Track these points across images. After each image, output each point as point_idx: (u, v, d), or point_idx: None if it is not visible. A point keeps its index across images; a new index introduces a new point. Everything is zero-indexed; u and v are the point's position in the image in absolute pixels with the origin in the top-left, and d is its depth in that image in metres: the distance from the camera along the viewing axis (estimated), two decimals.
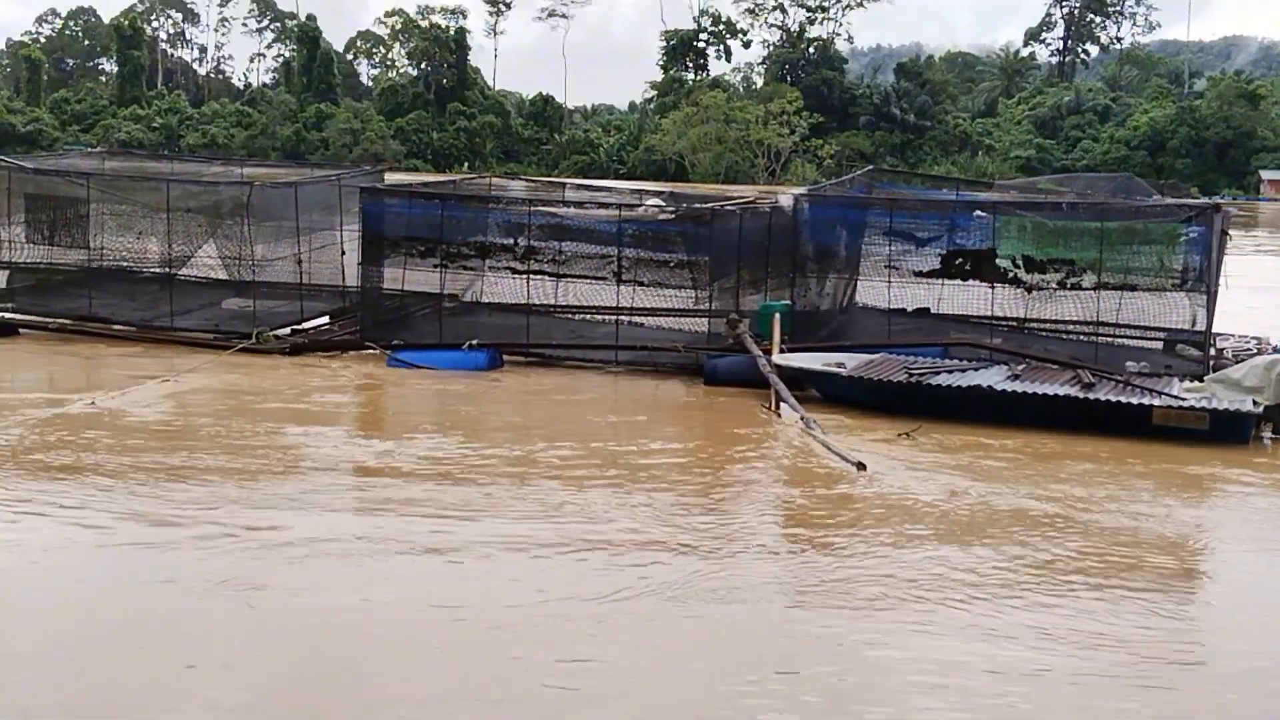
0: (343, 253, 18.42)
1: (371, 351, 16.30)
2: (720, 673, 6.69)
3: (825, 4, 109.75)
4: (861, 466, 11.02)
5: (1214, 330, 15.28)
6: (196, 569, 8.09)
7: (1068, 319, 15.88)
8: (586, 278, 17.16)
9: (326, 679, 6.58)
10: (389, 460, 11.24)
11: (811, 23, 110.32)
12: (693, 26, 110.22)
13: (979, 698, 6.43)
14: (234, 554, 8.39)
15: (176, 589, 7.76)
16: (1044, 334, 16.16)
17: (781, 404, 13.54)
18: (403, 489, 10.22)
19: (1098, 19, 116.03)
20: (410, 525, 9.12)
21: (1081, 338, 15.67)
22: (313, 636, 7.15)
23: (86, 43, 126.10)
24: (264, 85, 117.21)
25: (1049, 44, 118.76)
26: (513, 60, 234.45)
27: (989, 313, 16.03)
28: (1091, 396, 13.00)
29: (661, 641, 7.17)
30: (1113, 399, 12.97)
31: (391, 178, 22.70)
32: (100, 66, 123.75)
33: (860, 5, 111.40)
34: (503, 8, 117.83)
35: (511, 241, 17.43)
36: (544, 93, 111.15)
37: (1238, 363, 14.09)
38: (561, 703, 6.26)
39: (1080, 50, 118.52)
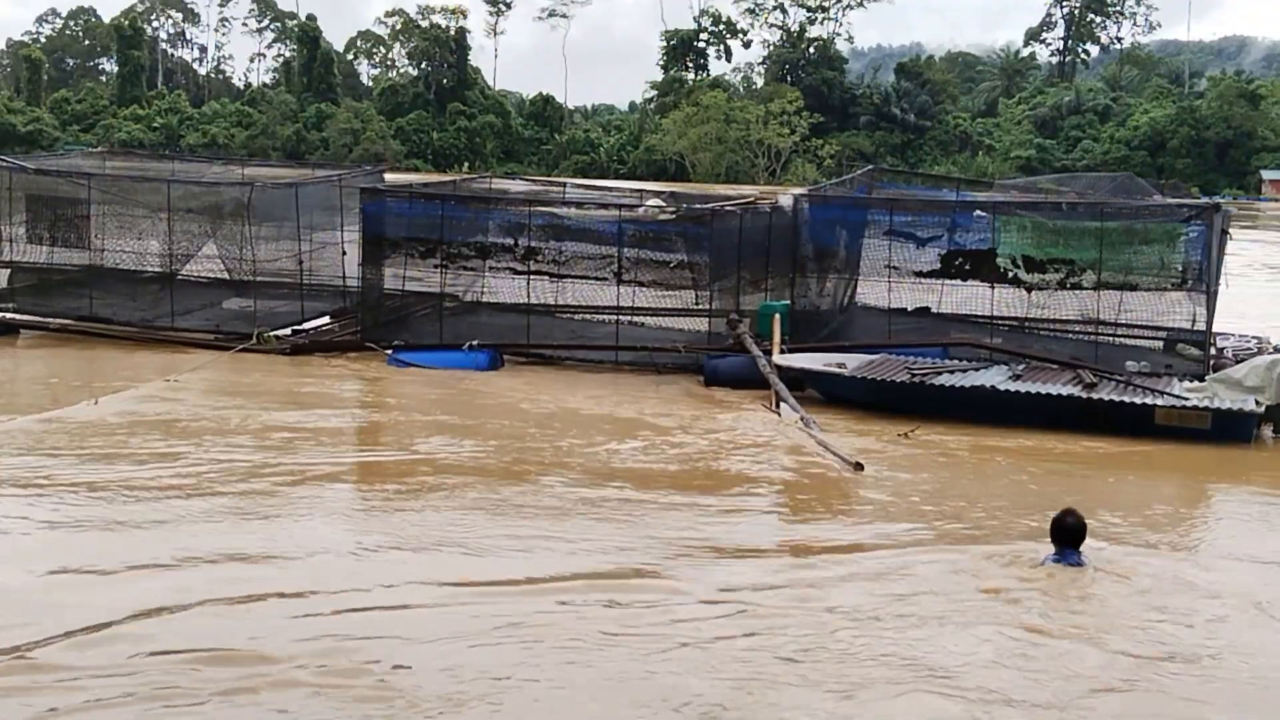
0: (343, 253, 18.44)
1: (372, 351, 16.30)
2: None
3: (825, 4, 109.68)
4: (859, 467, 11.02)
5: (1214, 329, 15.29)
6: (197, 572, 8.09)
7: (1068, 319, 15.90)
8: (587, 278, 17.19)
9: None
10: (386, 463, 11.24)
11: (812, 23, 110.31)
12: (693, 26, 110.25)
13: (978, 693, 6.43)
14: (234, 556, 8.40)
15: (175, 592, 7.77)
16: (1044, 334, 16.17)
17: (781, 404, 13.54)
18: (395, 493, 10.23)
19: (1098, 19, 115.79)
20: (404, 534, 9.09)
21: (1082, 337, 15.68)
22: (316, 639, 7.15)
23: (86, 43, 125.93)
24: (264, 85, 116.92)
25: (1049, 44, 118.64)
26: (513, 60, 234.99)
27: (989, 313, 16.05)
28: (1093, 396, 13.00)
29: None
30: (1115, 399, 12.97)
31: (391, 178, 22.71)
32: (100, 66, 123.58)
33: (860, 5, 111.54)
34: (503, 8, 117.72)
35: (512, 242, 17.46)
36: (544, 93, 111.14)
37: (1238, 362, 14.11)
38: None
39: (1080, 50, 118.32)
